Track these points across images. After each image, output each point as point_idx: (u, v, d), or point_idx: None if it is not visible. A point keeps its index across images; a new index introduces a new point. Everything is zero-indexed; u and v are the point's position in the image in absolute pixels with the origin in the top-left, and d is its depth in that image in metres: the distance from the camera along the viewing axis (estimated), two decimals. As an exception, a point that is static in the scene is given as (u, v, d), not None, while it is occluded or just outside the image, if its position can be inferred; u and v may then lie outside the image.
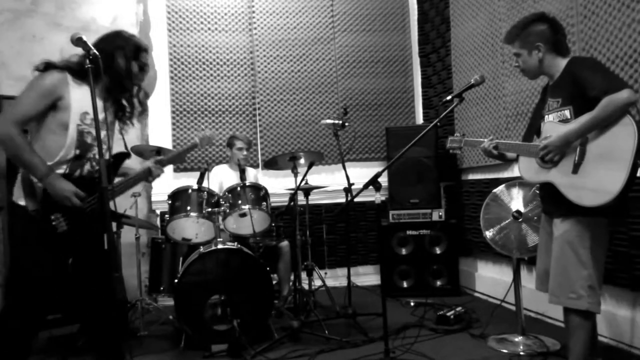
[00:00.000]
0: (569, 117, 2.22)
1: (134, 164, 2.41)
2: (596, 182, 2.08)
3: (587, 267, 2.18)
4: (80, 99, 2.06)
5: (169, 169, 4.71)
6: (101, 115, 2.11)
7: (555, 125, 2.27)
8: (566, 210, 2.22)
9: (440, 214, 4.34)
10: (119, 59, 2.13)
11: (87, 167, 2.12)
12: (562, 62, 2.31)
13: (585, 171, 2.14)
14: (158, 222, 4.51)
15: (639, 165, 2.05)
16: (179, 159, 2.45)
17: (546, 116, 2.35)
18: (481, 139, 2.60)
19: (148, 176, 2.34)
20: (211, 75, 4.91)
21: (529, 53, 2.36)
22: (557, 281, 2.26)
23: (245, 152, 4.14)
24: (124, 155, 2.31)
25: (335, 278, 4.95)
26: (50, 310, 3.21)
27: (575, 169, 2.17)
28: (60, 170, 2.05)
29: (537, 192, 2.94)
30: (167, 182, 4.60)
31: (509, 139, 3.79)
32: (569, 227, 2.22)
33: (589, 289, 2.18)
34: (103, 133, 2.12)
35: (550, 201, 2.33)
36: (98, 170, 2.10)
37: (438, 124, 2.76)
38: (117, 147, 2.28)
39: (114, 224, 2.22)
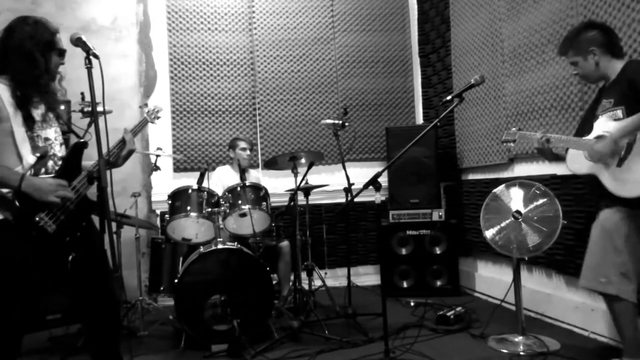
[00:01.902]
0: (621, 116, 2.30)
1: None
2: (636, 175, 2.19)
3: (622, 255, 2.27)
4: (7, 98, 1.93)
5: (169, 169, 4.73)
6: (40, 116, 2.04)
7: (607, 122, 2.36)
8: (608, 201, 2.33)
9: (440, 214, 4.34)
10: (37, 57, 1.99)
11: (50, 163, 2.05)
12: (618, 64, 2.38)
13: (628, 165, 2.24)
14: (158, 222, 4.51)
15: None
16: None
17: (600, 116, 2.42)
18: (534, 133, 2.66)
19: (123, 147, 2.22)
20: (211, 75, 4.91)
21: (585, 59, 2.44)
22: (590, 265, 2.36)
23: (248, 152, 4.15)
24: (81, 145, 2.14)
25: (335, 278, 4.95)
26: (48, 310, 3.22)
27: (620, 162, 2.27)
28: (27, 174, 1.96)
29: (537, 192, 2.95)
30: (167, 182, 4.62)
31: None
32: (609, 215, 2.33)
33: (621, 276, 2.26)
34: (52, 130, 2.09)
35: (595, 196, 2.46)
36: (61, 166, 2.05)
37: (438, 124, 2.78)
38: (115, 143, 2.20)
39: (95, 219, 2.10)
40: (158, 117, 2.64)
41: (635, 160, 2.22)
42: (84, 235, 2.07)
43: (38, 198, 1.90)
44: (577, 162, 2.49)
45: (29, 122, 1.99)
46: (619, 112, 2.31)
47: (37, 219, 1.92)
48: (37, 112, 2.05)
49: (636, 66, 2.33)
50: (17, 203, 1.89)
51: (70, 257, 2.06)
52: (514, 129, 2.86)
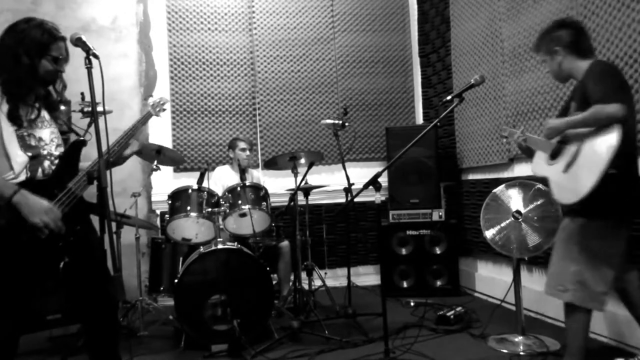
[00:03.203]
0: None
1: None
2: (574, 182, 2.21)
3: (578, 263, 2.28)
4: None
5: (169, 169, 4.73)
6: (33, 116, 2.03)
7: None
8: (566, 209, 2.37)
9: (440, 214, 4.34)
10: (23, 58, 1.95)
11: (46, 163, 2.03)
12: (584, 65, 2.36)
13: (572, 171, 2.26)
14: (158, 222, 4.51)
15: (615, 175, 2.12)
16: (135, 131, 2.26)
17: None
18: (516, 130, 2.72)
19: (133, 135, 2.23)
20: (211, 75, 4.91)
21: (551, 58, 2.46)
22: (551, 273, 2.41)
23: (247, 153, 4.15)
24: (80, 143, 2.13)
25: (335, 278, 4.94)
26: (48, 310, 3.22)
27: (566, 168, 2.29)
28: (22, 177, 1.96)
29: (537, 192, 2.95)
30: (167, 182, 4.62)
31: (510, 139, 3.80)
32: (566, 223, 2.37)
33: (577, 284, 2.28)
34: (48, 131, 2.07)
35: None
36: (56, 166, 2.03)
37: (438, 124, 2.79)
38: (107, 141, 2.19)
39: (98, 222, 2.07)
40: (163, 110, 2.58)
41: (577, 168, 2.23)
42: (79, 238, 2.04)
43: (25, 214, 1.87)
44: (537, 163, 2.54)
45: (16, 121, 1.97)
46: None
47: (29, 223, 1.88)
48: (27, 112, 2.03)
49: (591, 69, 2.31)
50: (5, 213, 1.87)
51: (62, 263, 2.02)
52: (515, 128, 2.88)
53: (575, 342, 2.34)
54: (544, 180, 3.21)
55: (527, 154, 2.70)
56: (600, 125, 2.16)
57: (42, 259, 1.97)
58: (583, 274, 2.27)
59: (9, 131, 1.95)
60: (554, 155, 2.42)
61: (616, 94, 2.16)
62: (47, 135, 2.07)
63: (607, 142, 2.11)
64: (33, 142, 2.01)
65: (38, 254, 1.94)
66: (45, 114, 2.10)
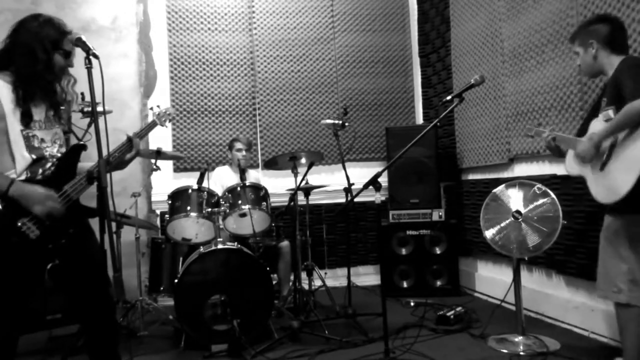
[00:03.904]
0: (612, 116, 2.26)
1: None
2: (612, 181, 2.18)
3: (628, 262, 2.24)
4: (6, 95, 1.94)
5: (169, 169, 4.73)
6: (40, 116, 2.03)
7: (599, 123, 2.34)
8: (608, 207, 2.32)
9: (440, 214, 4.34)
10: (39, 53, 1.97)
11: (48, 165, 2.03)
12: (616, 61, 2.33)
13: (609, 170, 2.23)
14: (158, 222, 4.51)
15: None
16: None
17: (599, 115, 2.39)
18: (543, 130, 2.68)
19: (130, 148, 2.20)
20: (211, 75, 4.91)
21: (585, 50, 2.42)
22: (601, 274, 2.36)
23: (244, 153, 4.14)
24: (80, 147, 2.12)
25: (335, 278, 4.94)
26: (48, 310, 3.22)
27: (602, 166, 2.26)
28: (22, 176, 1.96)
29: (537, 192, 2.95)
30: (167, 182, 4.62)
31: (509, 139, 3.80)
32: (609, 223, 2.33)
33: (630, 283, 2.24)
34: (51, 132, 2.07)
35: None
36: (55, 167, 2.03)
37: (438, 124, 2.78)
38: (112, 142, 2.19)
39: (92, 221, 2.06)
40: (170, 120, 2.57)
41: (614, 166, 2.20)
42: (74, 240, 2.02)
43: (24, 205, 1.88)
44: (570, 163, 2.50)
45: (26, 119, 1.97)
46: (611, 112, 2.28)
47: (19, 224, 1.88)
48: (38, 111, 2.03)
49: (624, 63, 2.28)
50: (0, 207, 1.87)
51: (49, 265, 2.02)
52: (535, 127, 2.88)
53: (633, 343, 2.26)
54: (544, 180, 3.23)
55: (557, 153, 2.66)
56: (636, 123, 2.11)
57: (29, 260, 1.95)
58: (634, 273, 2.23)
59: (17, 131, 1.96)
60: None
61: None
62: (50, 136, 2.07)
63: None
64: (36, 144, 2.01)
65: (26, 256, 1.93)
66: (50, 113, 2.10)
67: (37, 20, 2.03)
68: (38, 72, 1.98)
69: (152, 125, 2.45)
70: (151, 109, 2.60)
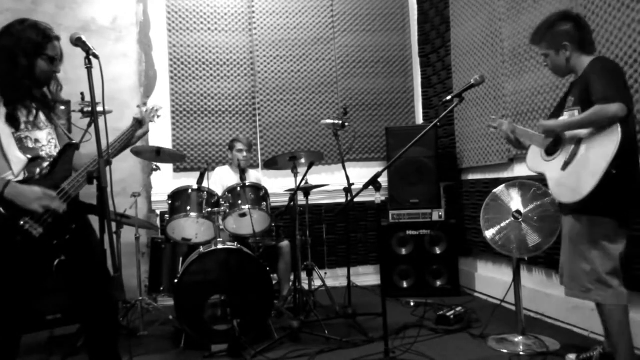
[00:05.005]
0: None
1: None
2: (575, 182, 2.21)
3: (591, 263, 2.27)
4: None
5: (169, 169, 4.73)
6: (29, 118, 2.03)
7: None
8: (568, 208, 2.34)
9: (440, 214, 4.34)
10: (20, 59, 1.96)
11: (44, 164, 2.03)
12: (587, 60, 2.35)
13: (571, 170, 2.26)
14: (158, 222, 4.51)
15: (615, 174, 2.11)
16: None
17: (565, 113, 2.42)
18: (504, 120, 2.71)
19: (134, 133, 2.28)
20: (211, 75, 4.91)
21: (557, 53, 2.41)
22: (569, 275, 2.38)
23: (245, 154, 4.14)
24: (72, 146, 2.12)
25: (335, 278, 4.94)
26: (48, 310, 3.22)
27: (564, 166, 2.29)
28: (20, 177, 1.96)
29: (537, 192, 2.95)
30: (167, 182, 4.62)
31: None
32: (572, 224, 2.35)
33: (597, 283, 2.26)
34: (45, 132, 2.08)
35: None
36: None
37: (438, 124, 2.78)
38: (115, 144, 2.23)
39: (92, 220, 2.07)
40: (158, 116, 2.57)
41: (576, 167, 2.23)
42: (76, 237, 2.04)
43: (21, 205, 1.88)
44: (533, 159, 2.54)
45: (13, 122, 1.98)
46: (576, 113, 2.30)
47: (22, 222, 1.89)
48: (24, 113, 2.03)
49: (594, 65, 2.29)
50: (0, 209, 1.88)
51: (56, 261, 2.02)
52: (498, 117, 2.89)
53: (621, 342, 2.27)
54: (544, 180, 3.22)
55: (517, 146, 2.71)
56: (602, 126, 2.14)
57: (36, 258, 1.97)
58: (599, 273, 2.25)
59: (7, 133, 1.97)
60: (550, 151, 2.42)
61: (619, 92, 2.15)
62: (45, 136, 2.08)
63: (609, 142, 2.10)
64: (31, 144, 2.02)
65: (32, 254, 1.94)
66: (41, 115, 2.10)
67: (22, 24, 2.01)
68: (17, 78, 1.97)
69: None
70: (138, 106, 2.61)
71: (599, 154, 2.13)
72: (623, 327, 2.27)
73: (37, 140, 2.04)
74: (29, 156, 1.99)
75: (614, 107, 2.08)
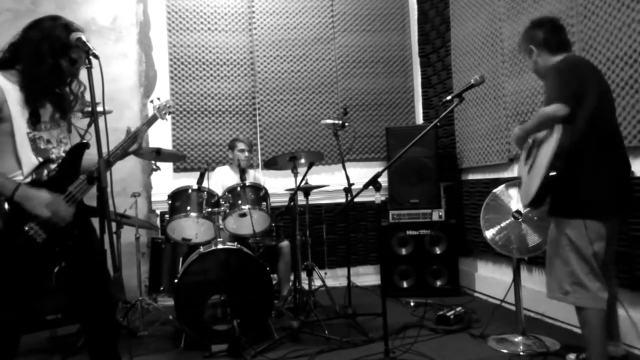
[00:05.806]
0: None
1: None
2: (529, 184, 2.30)
3: (569, 265, 2.27)
4: (13, 96, 1.92)
5: (169, 169, 4.73)
6: (46, 116, 2.03)
7: None
8: (550, 210, 2.38)
9: (440, 214, 4.34)
10: (46, 54, 1.94)
11: (52, 166, 2.03)
12: (554, 61, 2.39)
13: (531, 174, 2.34)
14: (158, 222, 4.51)
15: (555, 177, 2.16)
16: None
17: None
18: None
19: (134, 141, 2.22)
20: (211, 75, 4.91)
21: (529, 56, 2.52)
22: (549, 277, 2.40)
23: (246, 154, 4.15)
24: (83, 147, 2.11)
25: (335, 278, 4.95)
26: (48, 310, 3.22)
27: (529, 170, 2.38)
28: (28, 178, 1.96)
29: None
30: (167, 182, 4.62)
31: (509, 139, 3.80)
32: (551, 227, 2.39)
33: (575, 285, 2.26)
34: (56, 132, 2.07)
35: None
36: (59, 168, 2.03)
37: (438, 124, 2.79)
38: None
39: (94, 221, 2.06)
40: (170, 113, 2.54)
41: (534, 172, 2.28)
42: (78, 241, 2.03)
43: (29, 209, 1.88)
44: (519, 165, 2.61)
45: (32, 119, 1.96)
46: None
47: (27, 228, 1.88)
48: (44, 111, 2.02)
49: (553, 66, 2.33)
50: (7, 211, 1.87)
51: (56, 269, 2.03)
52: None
53: (592, 346, 2.25)
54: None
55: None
56: (545, 127, 2.23)
57: (37, 262, 1.96)
58: (577, 275, 2.25)
59: (23, 133, 1.95)
60: (529, 156, 2.49)
61: (561, 93, 2.17)
62: (55, 136, 2.07)
63: (549, 145, 2.18)
64: (42, 145, 2.01)
65: (33, 258, 1.93)
66: (56, 114, 2.09)
67: (54, 21, 2.01)
68: (42, 73, 1.96)
69: (153, 119, 2.43)
70: (151, 101, 2.58)
71: (543, 156, 2.21)
72: (596, 332, 2.23)
73: (48, 141, 2.03)
74: (40, 159, 1.99)
75: (550, 108, 2.15)
